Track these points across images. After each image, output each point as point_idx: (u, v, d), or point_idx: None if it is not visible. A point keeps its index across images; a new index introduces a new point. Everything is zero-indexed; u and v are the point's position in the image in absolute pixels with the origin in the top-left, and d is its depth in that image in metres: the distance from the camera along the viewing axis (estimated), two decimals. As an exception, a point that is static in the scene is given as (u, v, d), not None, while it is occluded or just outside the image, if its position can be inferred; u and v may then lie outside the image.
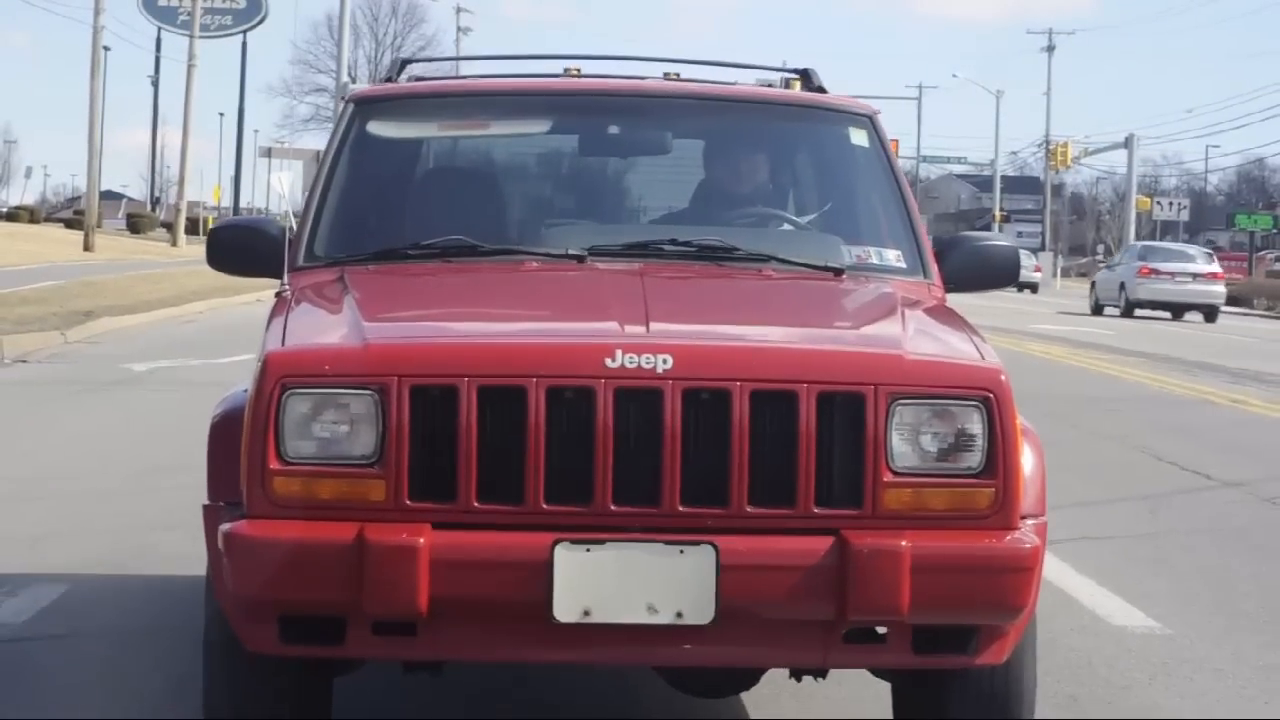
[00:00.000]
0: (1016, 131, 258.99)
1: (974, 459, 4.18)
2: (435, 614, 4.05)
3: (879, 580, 4.05)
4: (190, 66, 64.01)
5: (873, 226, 5.62)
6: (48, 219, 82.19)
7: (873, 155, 5.77)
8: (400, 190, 5.81)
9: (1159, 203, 73.91)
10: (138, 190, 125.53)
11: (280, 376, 4.13)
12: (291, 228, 5.37)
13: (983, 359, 4.34)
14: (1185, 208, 71.97)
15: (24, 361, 17.68)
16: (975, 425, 4.17)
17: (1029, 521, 4.28)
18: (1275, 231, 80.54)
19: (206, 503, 4.46)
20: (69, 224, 73.33)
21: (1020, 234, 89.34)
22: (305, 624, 4.18)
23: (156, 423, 12.84)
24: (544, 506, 4.08)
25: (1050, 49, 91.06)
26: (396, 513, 4.07)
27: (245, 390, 4.34)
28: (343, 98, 6.04)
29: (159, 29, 77.52)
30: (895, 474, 4.14)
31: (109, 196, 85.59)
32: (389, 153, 5.93)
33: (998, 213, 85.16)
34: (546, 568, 4.02)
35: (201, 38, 65.60)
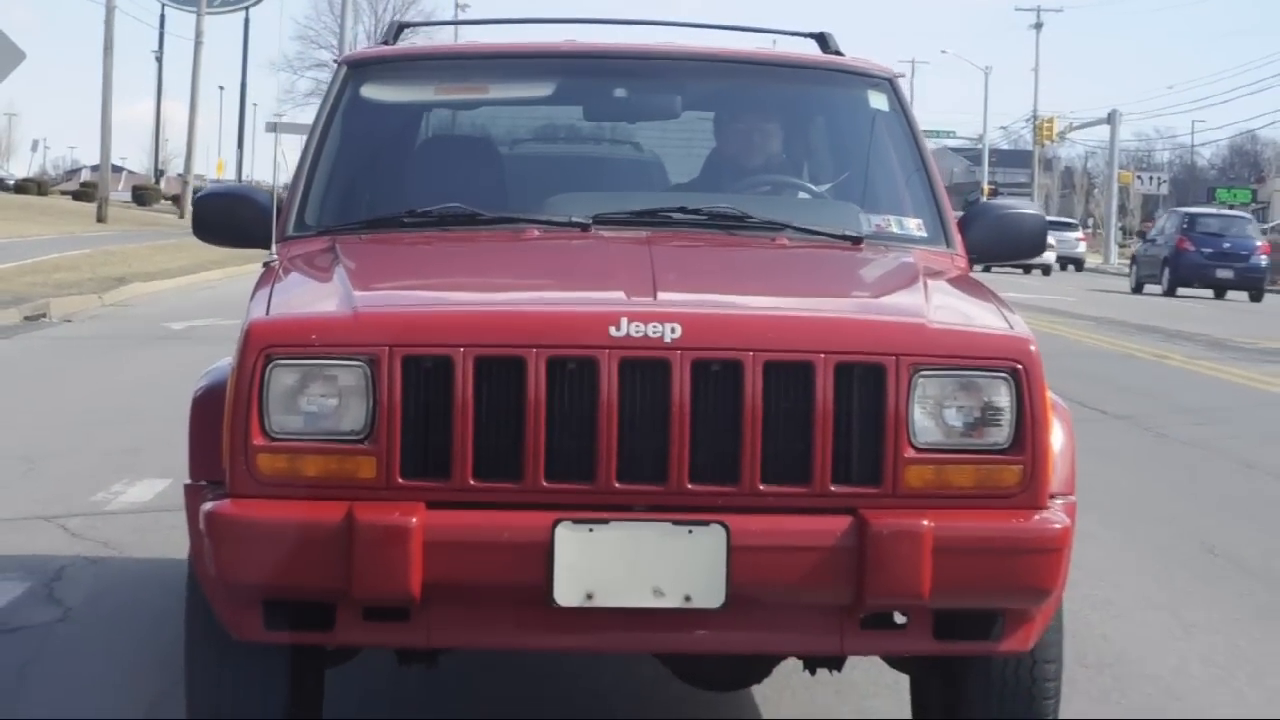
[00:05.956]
0: (1009, 106, 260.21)
1: (1001, 434, 3.96)
2: (429, 598, 3.87)
3: (899, 562, 3.84)
4: (198, 44, 65.51)
5: (893, 194, 5.40)
6: (52, 191, 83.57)
7: (893, 120, 5.55)
8: (395, 156, 5.57)
9: (1139, 177, 75.30)
10: (137, 163, 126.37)
11: (264, 347, 3.93)
12: (281, 197, 5.21)
13: (1011, 329, 4.14)
14: (1165, 182, 73.32)
15: (69, 321, 19.54)
16: (1003, 398, 3.96)
17: (1057, 500, 4.10)
18: (1256, 206, 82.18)
19: (188, 482, 4.25)
20: (76, 196, 74.60)
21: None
22: (292, 610, 3.98)
23: (205, 367, 14.49)
24: (544, 484, 3.88)
25: (1038, 26, 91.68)
26: (388, 491, 3.87)
27: (229, 363, 4.13)
28: (334, 61, 5.89)
29: (163, 5, 78.79)
30: (917, 450, 3.93)
31: (112, 170, 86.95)
32: (383, 117, 5.70)
33: (986, 186, 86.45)
34: (547, 549, 3.82)
35: (207, 14, 66.98)
